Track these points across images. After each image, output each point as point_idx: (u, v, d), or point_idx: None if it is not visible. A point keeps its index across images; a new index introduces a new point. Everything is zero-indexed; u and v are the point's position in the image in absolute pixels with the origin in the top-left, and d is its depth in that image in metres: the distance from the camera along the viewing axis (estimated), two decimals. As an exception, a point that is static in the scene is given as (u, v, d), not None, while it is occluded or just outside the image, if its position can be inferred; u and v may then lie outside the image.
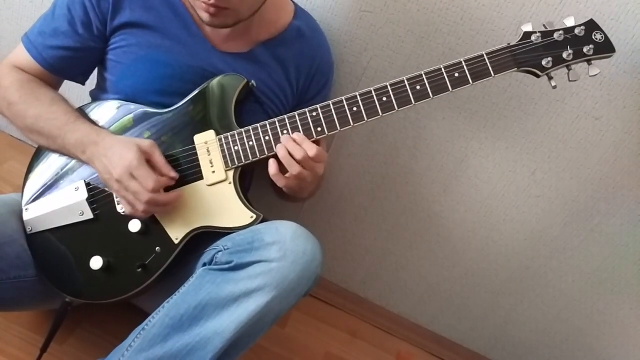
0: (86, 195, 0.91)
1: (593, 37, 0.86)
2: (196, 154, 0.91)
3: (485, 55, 0.87)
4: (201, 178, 0.90)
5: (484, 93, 1.13)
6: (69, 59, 0.94)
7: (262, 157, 0.90)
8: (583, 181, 1.18)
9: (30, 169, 0.96)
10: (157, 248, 0.89)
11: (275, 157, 0.88)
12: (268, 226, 0.85)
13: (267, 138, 0.89)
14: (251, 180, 1.09)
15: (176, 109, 0.93)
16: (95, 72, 1.01)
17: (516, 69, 0.87)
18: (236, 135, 0.90)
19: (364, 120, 0.88)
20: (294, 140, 0.87)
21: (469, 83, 0.87)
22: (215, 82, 0.92)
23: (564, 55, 0.87)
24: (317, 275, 0.84)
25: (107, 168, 0.85)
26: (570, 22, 0.87)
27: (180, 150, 0.91)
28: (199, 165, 0.90)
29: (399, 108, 0.88)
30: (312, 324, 1.41)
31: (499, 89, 1.12)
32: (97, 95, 1.00)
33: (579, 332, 1.38)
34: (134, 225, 0.89)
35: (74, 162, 0.94)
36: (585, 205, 1.21)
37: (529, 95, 1.11)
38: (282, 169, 0.88)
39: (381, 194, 1.31)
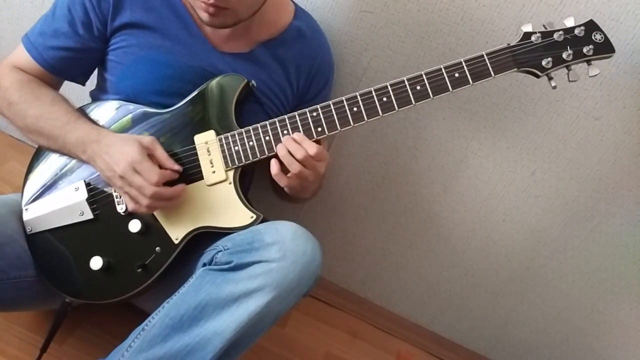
0: (86, 196, 0.91)
1: (593, 37, 0.87)
2: (196, 153, 0.91)
3: (485, 56, 0.87)
4: (201, 178, 0.90)
5: (484, 93, 1.13)
6: (69, 60, 0.94)
7: (262, 157, 0.90)
8: (583, 181, 1.18)
9: (30, 169, 0.96)
10: (157, 248, 0.89)
11: (276, 157, 0.88)
12: (268, 226, 0.85)
13: (267, 138, 0.89)
14: (251, 180, 1.09)
15: (175, 109, 0.93)
16: (95, 72, 1.01)
17: (516, 69, 0.87)
18: (236, 135, 0.90)
19: (364, 120, 0.88)
20: (294, 140, 0.87)
21: (469, 83, 0.87)
22: (214, 82, 0.92)
23: (564, 55, 0.87)
24: (317, 275, 0.84)
25: (110, 165, 0.85)
26: (570, 23, 0.87)
27: (181, 150, 0.91)
28: (199, 165, 0.90)
29: (399, 108, 0.88)
30: (312, 324, 1.41)
31: (499, 89, 1.12)
32: (97, 95, 1.00)
33: (579, 332, 1.38)
34: (134, 225, 0.89)
35: (73, 162, 0.94)
36: (585, 205, 1.21)
37: (528, 95, 1.11)
38: (284, 169, 0.88)
39: (381, 194, 1.31)
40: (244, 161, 0.90)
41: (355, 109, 0.88)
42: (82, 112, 0.95)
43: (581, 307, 1.35)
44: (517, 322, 1.42)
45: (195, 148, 0.91)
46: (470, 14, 1.06)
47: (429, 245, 1.35)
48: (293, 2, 1.05)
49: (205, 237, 0.90)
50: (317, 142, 0.89)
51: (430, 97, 0.87)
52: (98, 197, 0.92)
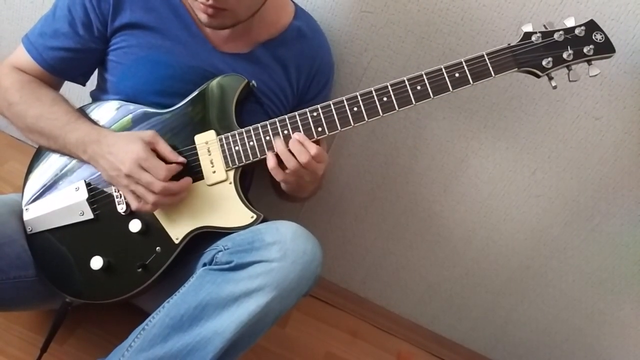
0: (86, 195, 0.91)
1: (593, 37, 0.87)
2: (197, 153, 0.91)
3: (485, 56, 0.87)
4: (202, 178, 0.90)
5: (484, 93, 1.13)
6: (70, 60, 0.94)
7: (262, 157, 0.90)
8: (583, 181, 1.18)
9: (30, 169, 0.96)
10: (158, 248, 0.89)
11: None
12: (268, 226, 0.85)
13: (267, 138, 0.90)
14: (251, 180, 1.09)
15: (175, 109, 0.93)
16: (96, 72, 1.01)
17: (516, 69, 0.87)
18: (237, 135, 0.90)
19: (365, 120, 0.88)
20: (297, 140, 0.87)
21: (470, 83, 0.87)
22: (215, 82, 0.92)
23: (564, 55, 0.87)
24: (317, 275, 0.84)
25: (114, 164, 0.85)
26: (570, 23, 0.87)
27: (181, 150, 0.91)
28: (199, 165, 0.91)
29: (399, 108, 0.88)
30: (312, 324, 1.41)
31: (499, 89, 1.12)
32: (98, 95, 1.00)
33: (579, 332, 1.39)
34: (134, 225, 0.89)
35: (74, 162, 0.94)
36: (585, 205, 1.21)
37: (529, 95, 1.11)
38: (282, 165, 0.88)
39: (381, 193, 1.31)
40: (244, 161, 0.90)
41: (355, 108, 0.88)
42: (82, 112, 0.95)
43: (581, 306, 1.35)
44: (517, 322, 1.42)
45: (195, 148, 0.91)
46: (470, 14, 1.06)
47: (429, 245, 1.35)
48: (293, 2, 1.05)
49: (205, 237, 0.90)
50: (317, 142, 0.89)
51: (430, 97, 0.87)
52: (98, 197, 0.92)
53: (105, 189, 0.92)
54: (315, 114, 0.89)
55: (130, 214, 0.90)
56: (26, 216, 0.93)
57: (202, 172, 0.90)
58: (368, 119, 0.88)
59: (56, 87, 0.99)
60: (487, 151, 1.20)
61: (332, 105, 0.89)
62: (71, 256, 0.91)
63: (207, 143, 0.91)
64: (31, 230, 0.93)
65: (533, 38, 0.87)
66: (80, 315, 1.10)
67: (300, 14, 1.03)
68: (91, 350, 1.09)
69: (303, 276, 0.81)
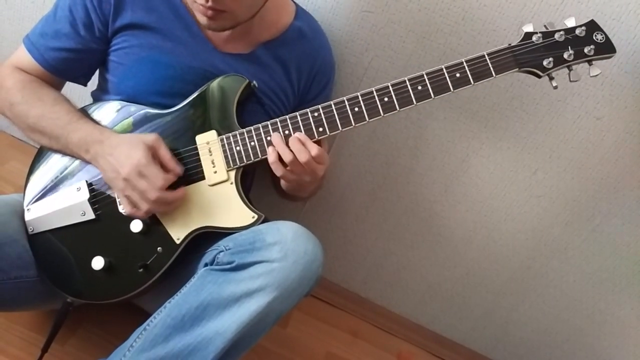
0: (88, 196, 0.91)
1: (594, 37, 0.87)
2: (198, 154, 0.91)
3: (486, 56, 0.87)
4: (203, 178, 0.91)
5: (485, 93, 1.13)
6: (71, 60, 0.94)
7: (263, 157, 0.90)
8: (584, 181, 1.18)
9: (31, 170, 0.96)
10: (159, 248, 0.90)
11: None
12: (269, 226, 0.85)
13: (268, 138, 0.90)
14: (252, 180, 1.09)
15: (176, 110, 0.93)
16: (97, 73, 1.01)
17: (517, 69, 0.87)
18: (238, 136, 0.91)
19: (366, 120, 0.88)
20: (298, 140, 0.87)
21: (470, 83, 0.87)
22: (215, 82, 0.92)
23: (565, 55, 0.87)
24: (318, 275, 0.84)
25: (114, 166, 0.85)
26: (571, 23, 0.87)
27: (182, 150, 0.91)
28: (200, 165, 0.91)
29: (400, 108, 0.88)
30: (313, 324, 1.41)
31: (500, 89, 1.12)
32: (99, 96, 1.00)
33: (580, 331, 1.39)
34: (136, 226, 0.89)
35: (75, 162, 0.94)
36: (586, 205, 1.21)
37: (530, 95, 1.11)
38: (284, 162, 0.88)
39: (382, 193, 1.31)
40: (245, 161, 0.90)
41: (356, 109, 0.88)
42: (83, 112, 0.95)
43: (582, 306, 1.35)
44: (518, 322, 1.42)
45: (197, 148, 0.91)
46: (471, 13, 1.06)
47: (430, 245, 1.36)
48: (294, 2, 1.05)
49: (206, 237, 0.90)
50: (318, 142, 0.89)
51: (431, 97, 0.87)
52: (100, 198, 0.92)
53: (106, 190, 0.92)
54: (316, 114, 0.89)
55: (132, 214, 0.90)
56: (28, 216, 0.93)
57: (203, 173, 0.90)
58: (369, 119, 0.88)
59: (58, 87, 0.99)
60: (488, 151, 1.20)
61: (333, 105, 0.89)
62: (72, 256, 0.91)
63: (208, 143, 0.91)
64: (32, 231, 0.93)
65: (534, 38, 0.87)
66: (81, 316, 1.10)
67: (301, 14, 1.03)
68: (92, 350, 1.09)
69: (304, 276, 0.81)
